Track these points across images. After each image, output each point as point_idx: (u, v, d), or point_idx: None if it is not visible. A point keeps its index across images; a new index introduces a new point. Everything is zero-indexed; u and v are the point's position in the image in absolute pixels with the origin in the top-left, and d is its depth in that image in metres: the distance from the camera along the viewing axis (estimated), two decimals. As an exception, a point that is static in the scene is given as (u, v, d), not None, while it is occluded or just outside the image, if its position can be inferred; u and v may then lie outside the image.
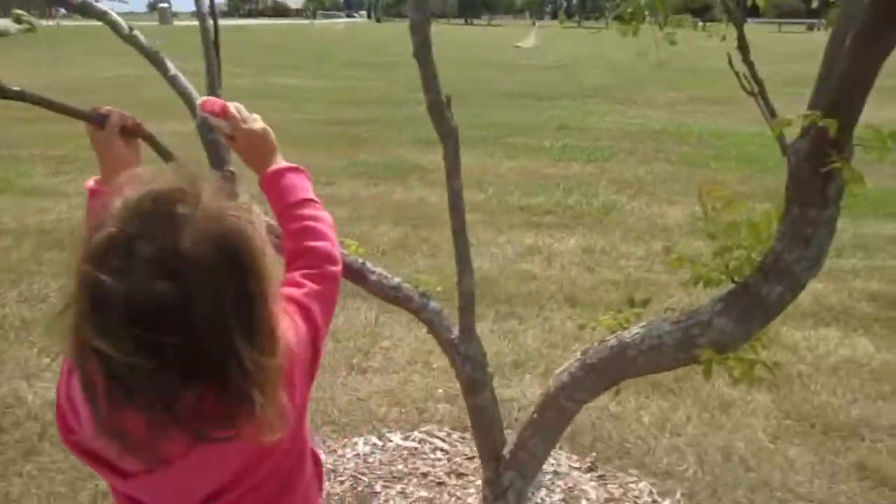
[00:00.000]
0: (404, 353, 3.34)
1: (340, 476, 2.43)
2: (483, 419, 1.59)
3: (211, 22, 1.30)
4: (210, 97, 1.12)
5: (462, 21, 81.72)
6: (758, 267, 1.18)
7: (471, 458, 2.53)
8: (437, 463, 2.51)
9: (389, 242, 4.82)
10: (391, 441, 2.64)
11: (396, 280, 1.47)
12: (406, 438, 2.66)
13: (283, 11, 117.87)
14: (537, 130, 9.54)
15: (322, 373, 3.01)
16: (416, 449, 2.59)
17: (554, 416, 1.45)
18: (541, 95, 13.30)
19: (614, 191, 6.35)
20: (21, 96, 0.99)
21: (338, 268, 1.00)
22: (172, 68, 1.41)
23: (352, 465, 2.50)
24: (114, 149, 1.03)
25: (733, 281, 1.21)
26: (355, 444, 2.63)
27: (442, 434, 2.70)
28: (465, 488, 2.35)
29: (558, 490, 2.34)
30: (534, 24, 38.92)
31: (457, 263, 1.44)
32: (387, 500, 2.28)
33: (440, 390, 2.99)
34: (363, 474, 2.43)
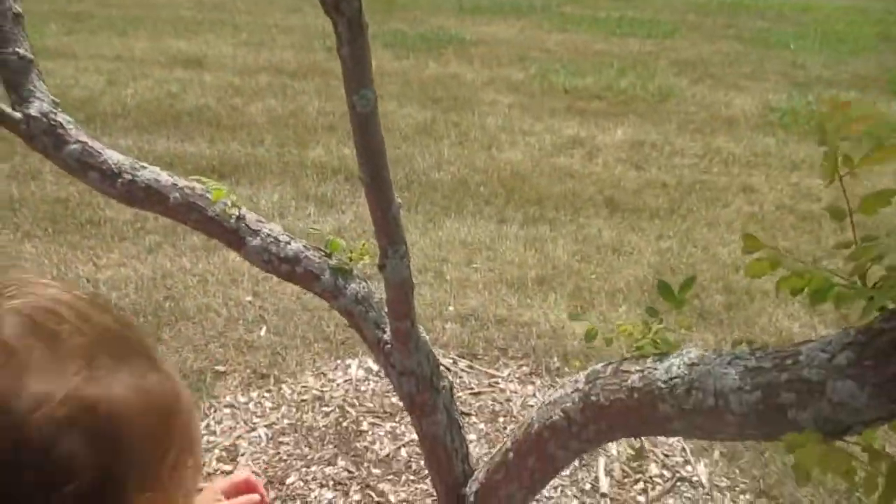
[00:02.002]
0: (416, 259, 2.96)
1: (326, 405, 2.14)
2: (436, 449, 1.05)
3: None
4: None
5: None
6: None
7: (477, 394, 2.21)
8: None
9: (414, 126, 4.33)
10: (388, 367, 2.33)
11: (296, 246, 0.98)
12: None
13: None
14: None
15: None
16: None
17: (537, 465, 0.91)
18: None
19: (674, 73, 5.62)
20: None
21: None
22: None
23: (341, 392, 2.20)
24: None
25: (879, 307, 0.59)
26: (348, 366, 2.32)
27: (447, 361, 2.37)
28: (468, 432, 2.03)
29: None
30: None
31: (377, 237, 0.89)
32: (373, 442, 1.99)
33: (451, 308, 2.64)
34: (352, 406, 2.14)
